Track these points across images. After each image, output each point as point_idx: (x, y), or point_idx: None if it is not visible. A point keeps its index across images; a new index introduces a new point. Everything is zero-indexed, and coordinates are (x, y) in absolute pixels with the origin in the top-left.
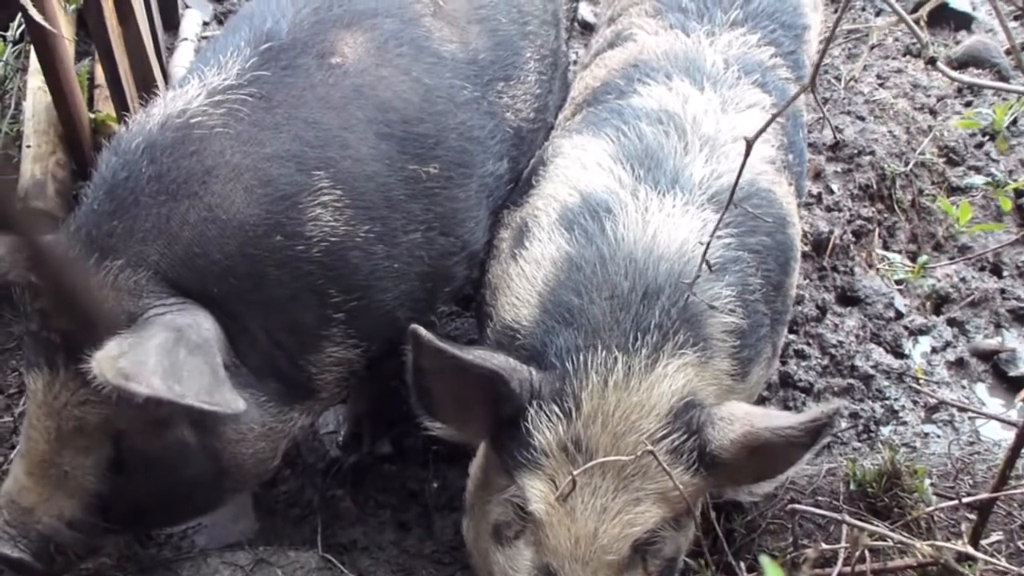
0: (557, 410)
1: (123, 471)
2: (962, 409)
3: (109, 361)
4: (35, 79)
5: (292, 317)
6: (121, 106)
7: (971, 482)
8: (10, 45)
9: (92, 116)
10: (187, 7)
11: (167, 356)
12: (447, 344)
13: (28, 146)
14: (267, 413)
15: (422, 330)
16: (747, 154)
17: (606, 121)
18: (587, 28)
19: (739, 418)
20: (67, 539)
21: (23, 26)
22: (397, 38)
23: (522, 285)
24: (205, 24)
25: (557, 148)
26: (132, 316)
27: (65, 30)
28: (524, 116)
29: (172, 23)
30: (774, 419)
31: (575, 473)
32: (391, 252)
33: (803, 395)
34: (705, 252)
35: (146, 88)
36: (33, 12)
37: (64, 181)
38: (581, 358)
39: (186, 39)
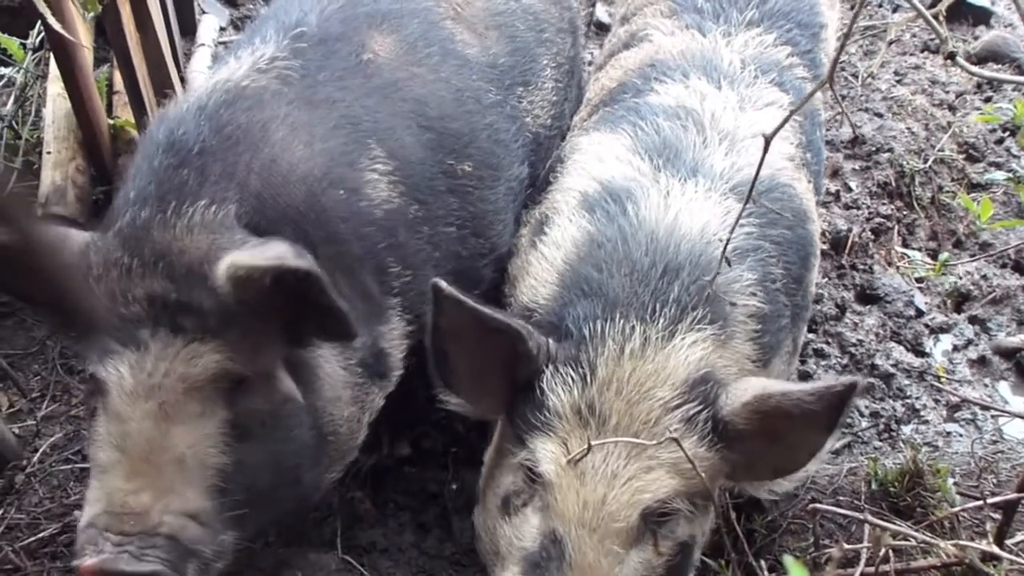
0: (573, 374)
1: (241, 435)
2: (985, 407)
3: (248, 256)
4: (55, 86)
5: (361, 280)
6: (139, 112)
7: (995, 481)
8: (30, 52)
9: (111, 122)
10: (204, 13)
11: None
12: (468, 297)
13: (48, 152)
14: (355, 376)
15: (443, 283)
16: (765, 150)
17: (622, 118)
18: (602, 29)
19: (752, 384)
20: (195, 536)
21: (42, 34)
22: (425, 39)
23: (542, 266)
24: (222, 29)
25: (574, 145)
26: (221, 250)
27: (84, 37)
28: (542, 122)
29: (189, 29)
30: (786, 385)
31: (593, 443)
32: (433, 239)
33: None
34: (726, 246)
35: (164, 94)
36: (52, 20)
37: (84, 187)
38: (598, 326)
39: (203, 44)
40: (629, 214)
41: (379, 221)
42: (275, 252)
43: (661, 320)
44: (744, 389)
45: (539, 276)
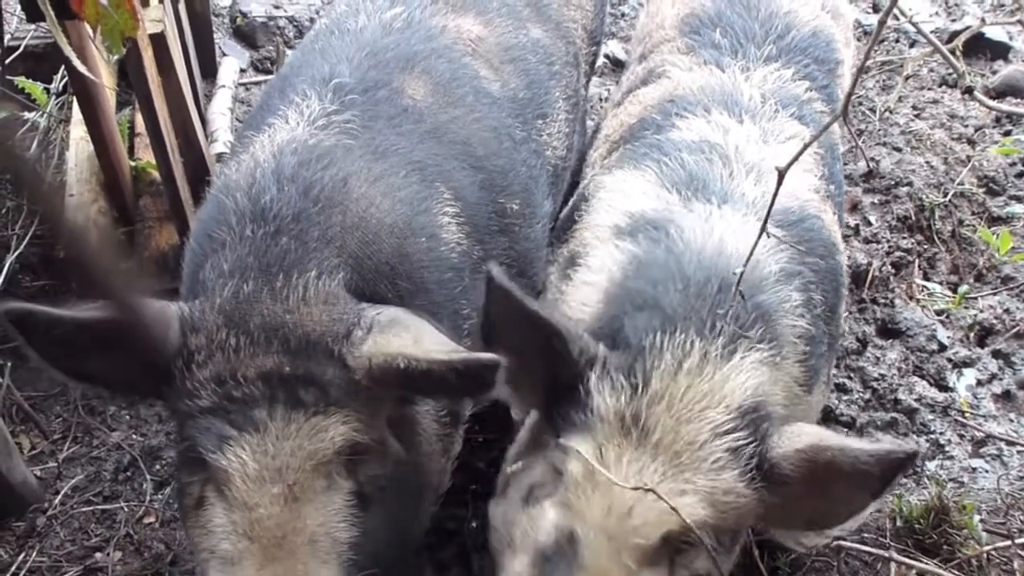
0: (624, 382)
1: (365, 504)
2: (1010, 443)
3: (413, 349)
4: (78, 129)
5: (443, 325)
6: (161, 154)
7: (1022, 518)
8: (53, 97)
9: (133, 164)
10: (224, 55)
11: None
12: (517, 290)
13: (71, 195)
14: (444, 427)
15: (498, 270)
16: (779, 183)
17: (645, 155)
18: (618, 65)
19: (808, 432)
20: None
21: (66, 78)
22: (455, 79)
23: (581, 292)
24: (242, 71)
25: (598, 184)
26: (338, 322)
27: (107, 80)
28: (559, 154)
29: (210, 71)
30: (845, 441)
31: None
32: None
33: (845, 429)
34: (741, 274)
35: (185, 135)
36: (78, 63)
37: (106, 229)
38: (658, 338)
39: (223, 86)
40: (673, 236)
41: (455, 266)
42: (435, 342)
43: (721, 337)
44: (799, 434)
45: (579, 300)
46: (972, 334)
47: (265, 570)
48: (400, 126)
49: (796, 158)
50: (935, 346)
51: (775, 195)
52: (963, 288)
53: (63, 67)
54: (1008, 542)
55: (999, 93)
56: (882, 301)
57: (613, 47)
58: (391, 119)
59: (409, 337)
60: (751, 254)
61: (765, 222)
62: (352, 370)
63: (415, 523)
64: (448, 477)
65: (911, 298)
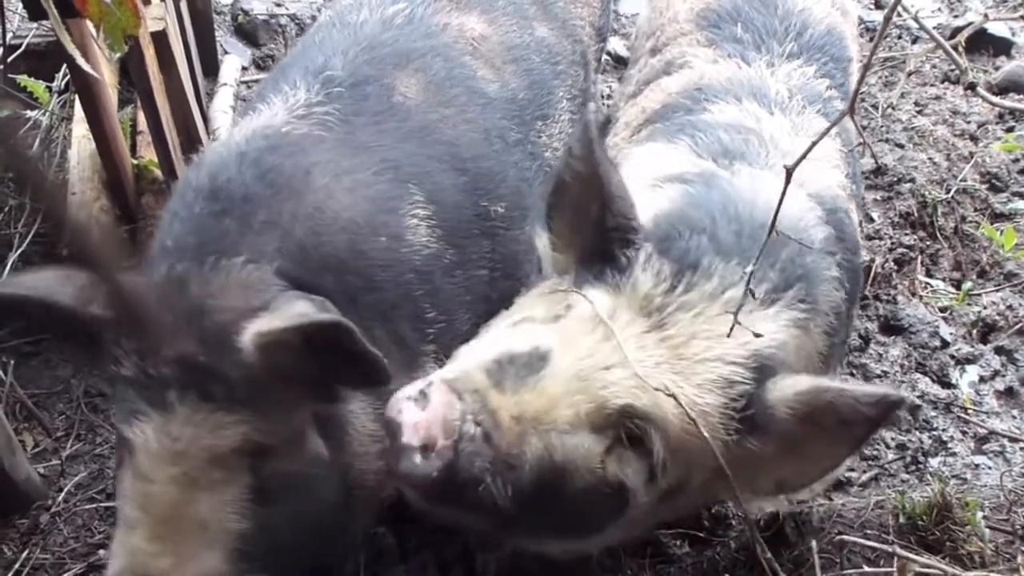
0: (668, 274)
1: (265, 499)
2: (1013, 439)
3: (268, 322)
4: (80, 127)
5: (396, 327)
6: (163, 151)
7: None
8: (55, 95)
9: (135, 162)
10: (226, 53)
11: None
12: (604, 152)
13: (73, 193)
14: (382, 429)
15: (593, 117)
16: (787, 181)
17: (680, 130)
18: (619, 62)
19: (806, 378)
20: None
21: (68, 76)
22: (449, 78)
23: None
24: (244, 69)
25: (627, 155)
26: (250, 311)
27: (109, 79)
28: (561, 155)
29: (212, 69)
30: (844, 384)
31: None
32: (467, 283)
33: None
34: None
35: (187, 133)
36: (81, 61)
37: (108, 227)
38: (714, 261)
39: (225, 84)
40: (723, 184)
41: (418, 267)
42: (297, 310)
43: (766, 283)
44: (798, 380)
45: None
46: (975, 330)
47: (153, 543)
48: (383, 123)
49: (804, 155)
50: (938, 343)
51: (783, 194)
52: (966, 285)
53: (65, 65)
54: (1010, 536)
55: (1002, 89)
56: (885, 298)
57: (614, 44)
58: (376, 115)
59: (291, 310)
60: (772, 223)
61: (776, 212)
62: (248, 364)
63: (330, 522)
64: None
65: (914, 295)
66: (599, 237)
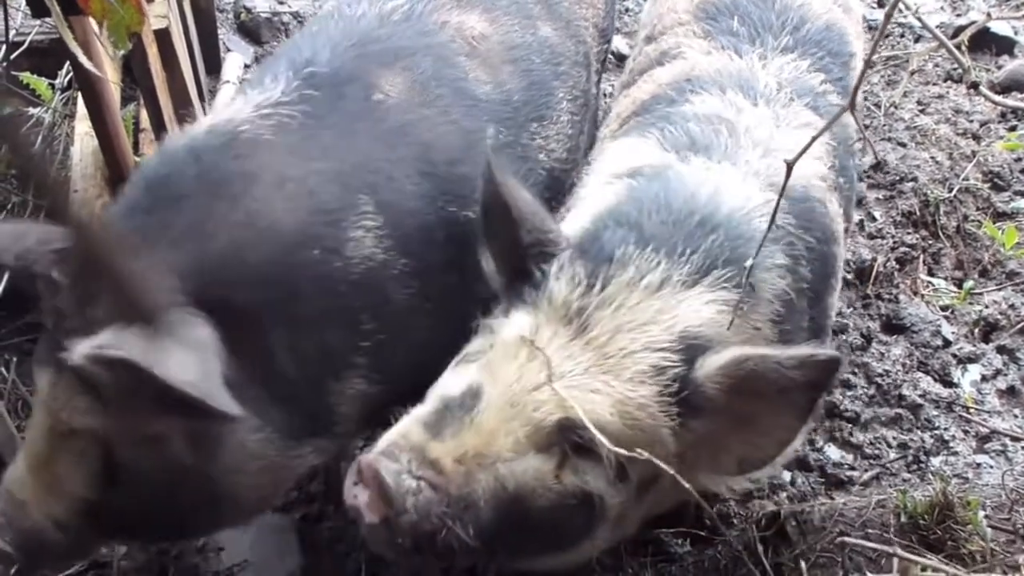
0: (583, 278)
1: (114, 481)
2: (1015, 438)
3: (90, 343)
4: (82, 125)
5: (322, 337)
6: None
7: None
8: (58, 92)
9: (137, 159)
10: (229, 50)
11: (152, 341)
12: (504, 180)
13: (75, 190)
14: (271, 446)
15: (494, 160)
16: (788, 176)
17: (652, 125)
18: (621, 61)
19: (733, 349)
20: (53, 539)
21: (70, 74)
22: (436, 78)
23: (572, 218)
24: (247, 67)
25: (601, 150)
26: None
27: (111, 76)
28: (557, 156)
29: (214, 67)
30: (767, 349)
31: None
32: (426, 291)
33: (850, 425)
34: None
35: None
36: (83, 59)
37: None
38: (629, 251)
39: (228, 82)
40: (670, 177)
41: (355, 280)
42: (100, 341)
43: (687, 266)
44: (723, 353)
45: (576, 220)
46: (977, 330)
47: (27, 474)
48: (354, 124)
49: (806, 149)
50: (940, 342)
51: (783, 187)
52: (968, 284)
53: (68, 62)
54: (1012, 535)
55: (1004, 88)
56: (886, 297)
57: (617, 42)
58: (348, 116)
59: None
60: (768, 229)
61: (778, 204)
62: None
63: (186, 516)
64: (282, 490)
65: (916, 294)
66: (517, 258)
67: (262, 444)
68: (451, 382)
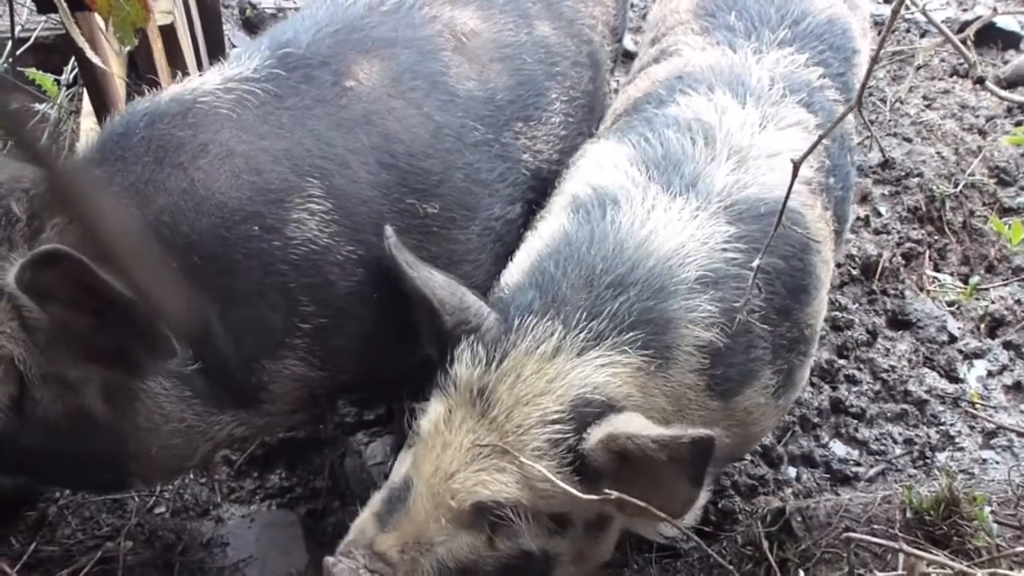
0: (483, 355)
1: (22, 415)
2: (1021, 434)
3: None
4: (88, 120)
5: (257, 313)
6: None
7: None
8: (64, 88)
9: None
10: (234, 47)
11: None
12: (408, 265)
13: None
14: (189, 409)
15: (394, 238)
16: (794, 176)
17: (634, 128)
18: (629, 57)
19: (616, 422)
20: None
21: (76, 70)
22: (413, 71)
23: (521, 255)
24: None
25: (583, 151)
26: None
27: (117, 72)
28: (545, 157)
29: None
30: (640, 429)
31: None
32: (373, 280)
33: (855, 421)
34: (755, 274)
35: None
36: (90, 53)
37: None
38: (529, 319)
39: None
40: (607, 220)
41: (296, 261)
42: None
43: (583, 332)
44: (604, 425)
45: (517, 263)
46: (983, 325)
47: None
48: (316, 108)
49: (808, 153)
50: (945, 337)
51: (789, 190)
52: (974, 279)
53: (73, 58)
54: (1017, 531)
55: (1010, 83)
56: (892, 292)
57: (625, 40)
58: (311, 98)
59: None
60: (756, 268)
61: (779, 221)
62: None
63: (91, 467)
64: (198, 455)
65: (922, 289)
66: (440, 344)
67: (179, 406)
68: (397, 470)
